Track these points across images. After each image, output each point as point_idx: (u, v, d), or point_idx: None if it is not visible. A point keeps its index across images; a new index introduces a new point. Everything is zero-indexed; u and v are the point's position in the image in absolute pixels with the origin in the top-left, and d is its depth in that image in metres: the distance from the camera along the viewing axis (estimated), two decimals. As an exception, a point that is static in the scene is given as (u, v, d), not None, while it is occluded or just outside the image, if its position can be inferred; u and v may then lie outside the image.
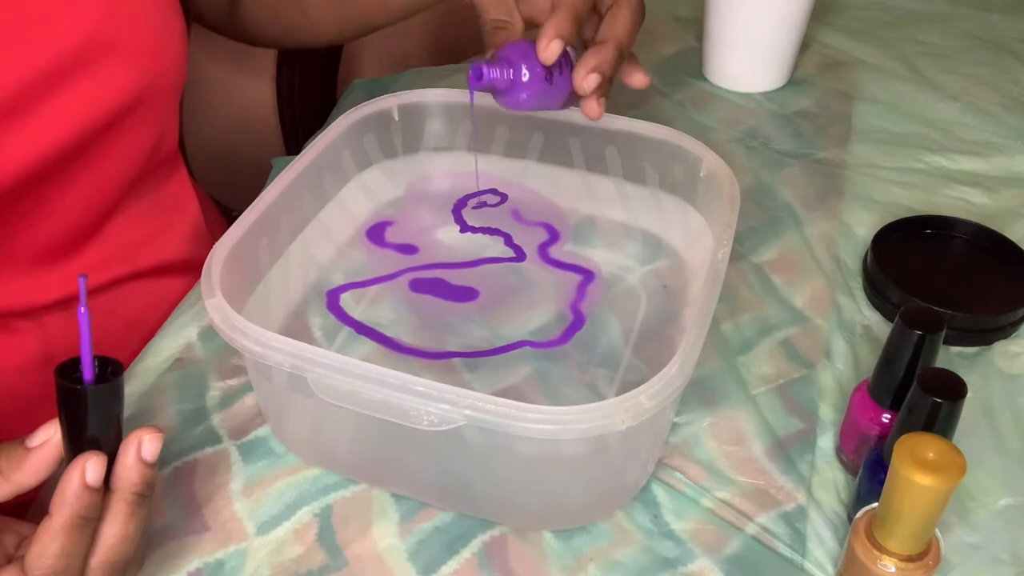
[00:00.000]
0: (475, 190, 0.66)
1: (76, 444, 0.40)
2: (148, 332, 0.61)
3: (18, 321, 0.58)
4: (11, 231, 0.55)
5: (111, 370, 0.40)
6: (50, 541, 0.39)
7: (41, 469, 0.41)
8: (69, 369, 0.40)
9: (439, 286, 0.61)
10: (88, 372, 0.39)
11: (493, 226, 0.65)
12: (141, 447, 0.41)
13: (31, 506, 0.52)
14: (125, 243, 0.62)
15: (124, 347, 0.61)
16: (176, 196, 0.67)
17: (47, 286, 0.58)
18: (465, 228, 0.65)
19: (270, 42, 0.76)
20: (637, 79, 0.58)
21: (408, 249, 0.64)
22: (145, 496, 0.42)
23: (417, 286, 0.61)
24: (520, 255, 0.63)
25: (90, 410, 0.40)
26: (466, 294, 0.61)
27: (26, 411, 0.56)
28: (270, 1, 0.71)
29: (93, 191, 0.58)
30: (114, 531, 0.41)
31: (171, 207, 0.66)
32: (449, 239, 0.65)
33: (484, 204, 0.66)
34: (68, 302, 0.59)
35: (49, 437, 0.41)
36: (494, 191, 0.66)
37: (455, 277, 0.62)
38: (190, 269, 0.66)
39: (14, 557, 0.43)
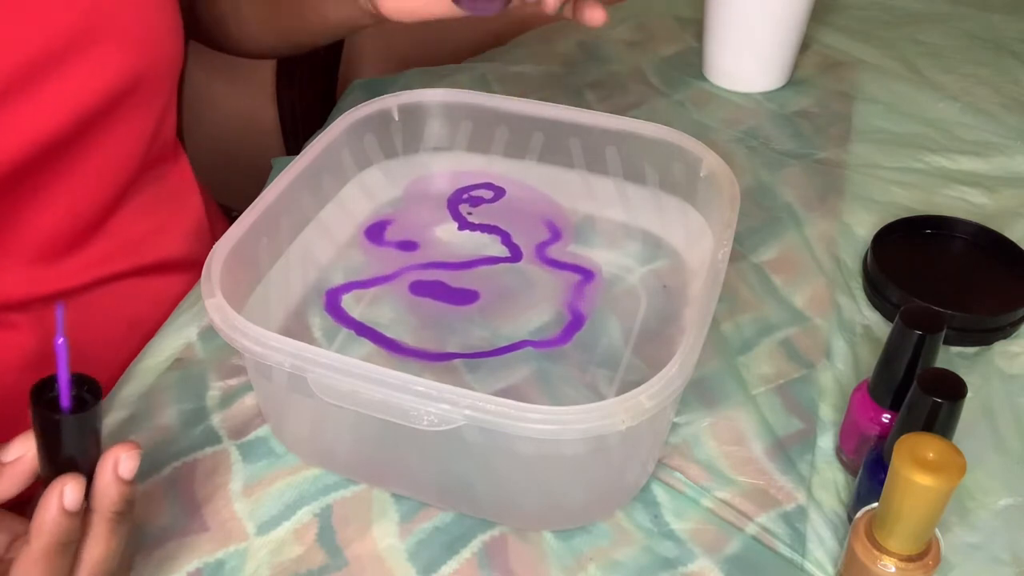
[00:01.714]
0: (476, 192, 0.66)
1: (53, 464, 0.40)
2: (150, 332, 0.61)
3: (16, 315, 0.57)
4: (10, 221, 0.55)
5: (87, 388, 0.39)
6: (31, 567, 0.39)
7: (17, 483, 0.41)
8: (46, 388, 0.39)
9: (439, 289, 0.61)
10: (65, 400, 0.38)
11: (492, 223, 0.65)
12: (118, 465, 0.40)
13: (32, 502, 0.52)
14: (128, 238, 0.61)
15: (126, 346, 0.61)
16: (178, 188, 0.67)
17: (48, 280, 0.58)
18: (464, 225, 0.65)
19: (230, 50, 0.78)
20: (596, 16, 0.55)
21: (406, 247, 0.64)
22: (124, 514, 0.41)
23: (417, 289, 0.61)
24: (517, 254, 0.63)
25: (65, 436, 0.39)
26: (467, 297, 0.60)
27: (23, 409, 0.56)
28: (214, 14, 0.72)
29: (92, 181, 0.58)
30: (96, 552, 0.40)
31: (173, 201, 0.66)
32: (447, 236, 0.65)
33: (481, 200, 0.66)
34: (69, 295, 0.59)
35: (23, 453, 0.40)
36: (489, 185, 0.66)
37: (455, 279, 0.62)
38: (192, 267, 0.66)
39: (4, 559, 0.43)
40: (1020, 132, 0.77)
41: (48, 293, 0.58)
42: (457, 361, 0.57)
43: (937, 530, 0.41)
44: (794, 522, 0.49)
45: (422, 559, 0.48)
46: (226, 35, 0.74)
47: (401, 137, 0.65)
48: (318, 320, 0.59)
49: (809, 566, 0.47)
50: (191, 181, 0.68)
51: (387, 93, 0.64)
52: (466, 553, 0.48)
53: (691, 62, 0.87)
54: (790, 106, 0.81)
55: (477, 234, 0.65)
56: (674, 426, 0.54)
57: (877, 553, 0.41)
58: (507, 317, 0.59)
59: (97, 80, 0.54)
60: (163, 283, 0.64)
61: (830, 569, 0.47)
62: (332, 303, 0.60)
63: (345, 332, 0.58)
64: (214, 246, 0.50)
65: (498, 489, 0.50)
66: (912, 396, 0.42)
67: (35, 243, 0.57)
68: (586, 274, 0.62)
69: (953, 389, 0.42)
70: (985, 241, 0.64)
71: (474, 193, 0.66)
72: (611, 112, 0.63)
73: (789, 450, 0.53)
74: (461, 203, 0.66)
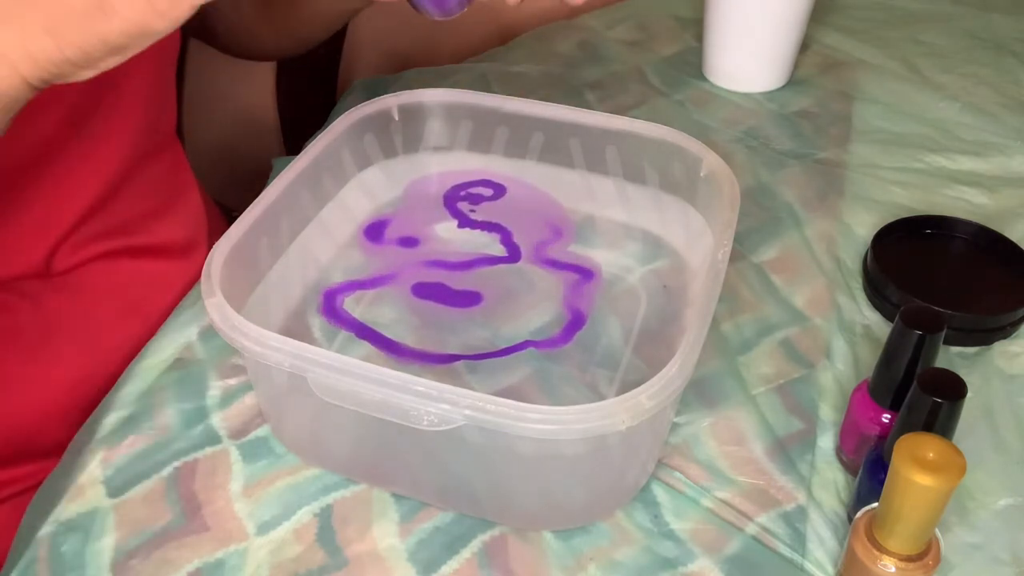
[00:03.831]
0: (474, 190, 0.66)
1: None
2: (146, 318, 0.61)
3: (11, 297, 0.57)
4: (14, 202, 0.55)
5: None
6: None
7: None
8: None
9: (442, 291, 0.61)
10: None
11: (493, 221, 0.65)
12: None
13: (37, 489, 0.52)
14: (122, 218, 0.62)
15: (123, 332, 0.61)
16: (175, 179, 0.67)
17: (41, 258, 0.58)
18: (464, 223, 0.65)
19: (235, 50, 0.77)
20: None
21: (406, 245, 0.64)
22: None
23: (419, 291, 0.61)
24: (516, 254, 0.63)
25: None
26: (469, 299, 0.60)
27: (18, 394, 0.56)
28: (219, 9, 0.72)
29: (89, 164, 0.58)
30: None
31: (170, 189, 0.66)
32: (447, 235, 0.65)
33: (481, 197, 0.66)
34: (64, 275, 0.59)
35: None
36: (487, 182, 0.66)
37: (455, 280, 0.62)
38: (187, 255, 0.66)
39: None
40: (1020, 132, 0.77)
41: (42, 272, 0.58)
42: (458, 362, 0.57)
43: (937, 530, 0.41)
44: (794, 522, 0.49)
45: (422, 559, 0.48)
46: (228, 32, 0.74)
47: (401, 137, 0.65)
48: (318, 320, 0.59)
49: (809, 566, 0.47)
50: (189, 175, 0.68)
51: (387, 93, 0.64)
52: (466, 553, 0.48)
53: (691, 62, 0.87)
54: (790, 106, 0.81)
55: (477, 232, 0.65)
56: (674, 426, 0.54)
57: (877, 553, 0.41)
58: (508, 317, 0.59)
59: None
60: (158, 268, 0.64)
61: (830, 569, 0.47)
62: (328, 305, 0.60)
63: (345, 332, 0.58)
64: (214, 246, 0.50)
65: (498, 489, 0.50)
66: (912, 396, 0.42)
67: (32, 224, 0.57)
68: (586, 273, 0.62)
69: (953, 389, 0.42)
70: (985, 241, 0.64)
71: (472, 190, 0.66)
72: (611, 112, 0.63)
73: (789, 450, 0.53)
74: (459, 200, 0.66)
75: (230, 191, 0.82)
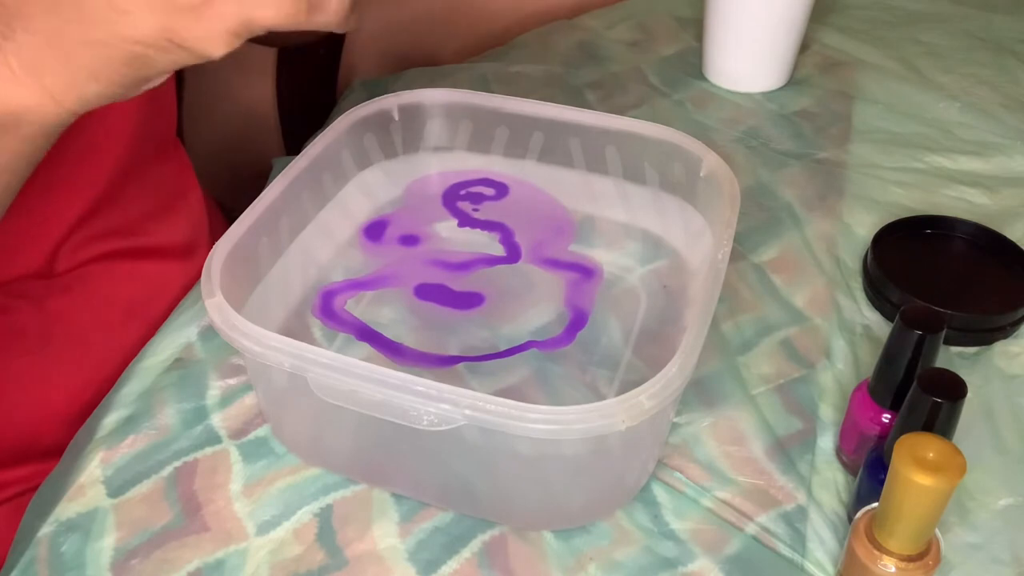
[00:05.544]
0: (474, 189, 0.66)
1: None
2: (147, 319, 0.61)
3: (15, 300, 0.57)
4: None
5: None
6: None
7: None
8: None
9: (444, 293, 0.61)
10: None
11: (494, 220, 0.65)
12: None
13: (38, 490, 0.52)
14: (124, 218, 0.62)
15: (124, 332, 0.61)
16: (177, 181, 0.67)
17: (43, 258, 0.58)
18: (464, 222, 0.65)
19: None
20: None
21: (406, 244, 0.64)
22: None
23: (421, 292, 0.61)
24: (516, 254, 0.63)
25: None
26: (471, 300, 0.60)
27: (23, 395, 0.56)
28: None
29: (87, 170, 0.58)
30: None
31: (172, 191, 0.66)
32: (447, 234, 0.65)
33: (482, 196, 0.66)
34: (66, 274, 0.59)
35: None
36: (488, 181, 0.66)
37: (456, 281, 0.62)
38: (189, 257, 0.66)
39: None
40: (1020, 132, 0.77)
41: (43, 273, 0.58)
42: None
43: (937, 530, 0.41)
44: (794, 522, 0.49)
45: (422, 559, 0.48)
46: None
47: (401, 137, 0.65)
48: (318, 320, 0.59)
49: (809, 566, 0.47)
50: (191, 177, 0.68)
51: (387, 93, 0.64)
52: (466, 553, 0.48)
53: (691, 62, 0.87)
54: (790, 106, 0.81)
55: (477, 232, 0.65)
56: (674, 426, 0.54)
57: (877, 553, 0.41)
58: (508, 318, 0.59)
59: None
60: (160, 269, 0.64)
61: (830, 569, 0.47)
62: (325, 306, 0.59)
63: (344, 333, 0.58)
64: (214, 246, 0.50)
65: (498, 489, 0.50)
66: (912, 396, 0.42)
67: (32, 224, 0.57)
68: (586, 272, 0.62)
69: (953, 389, 0.42)
70: (985, 241, 0.64)
71: (472, 190, 0.66)
72: (611, 112, 0.63)
73: (789, 450, 0.53)
74: (459, 200, 0.66)
75: (230, 191, 0.82)
